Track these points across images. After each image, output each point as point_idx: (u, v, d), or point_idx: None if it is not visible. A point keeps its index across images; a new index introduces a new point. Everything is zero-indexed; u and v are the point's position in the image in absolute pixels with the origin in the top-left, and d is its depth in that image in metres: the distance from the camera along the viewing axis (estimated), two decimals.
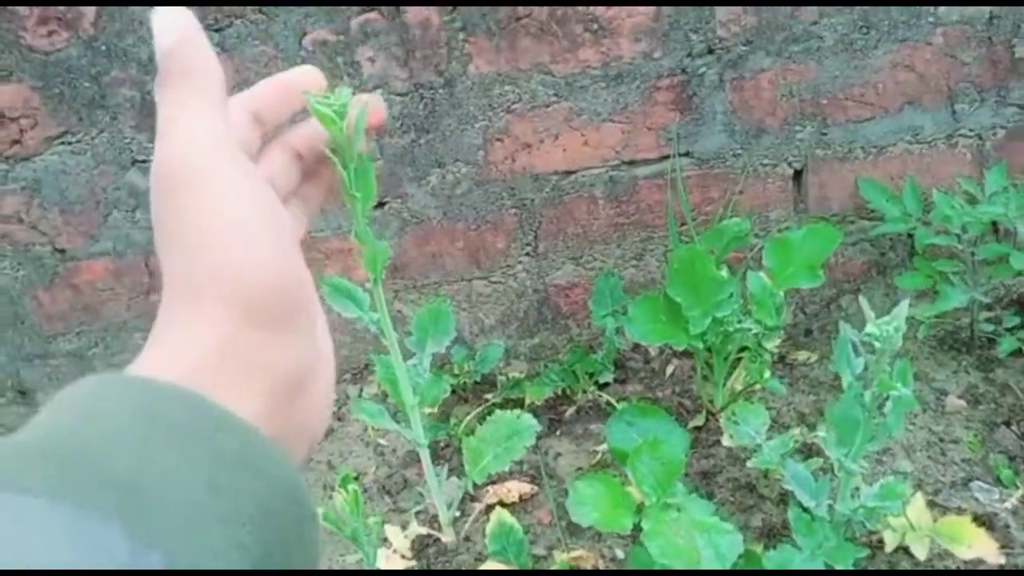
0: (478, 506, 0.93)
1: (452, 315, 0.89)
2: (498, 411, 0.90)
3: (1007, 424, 0.96)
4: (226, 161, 0.29)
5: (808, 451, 0.94)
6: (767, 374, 1.01)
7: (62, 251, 1.24)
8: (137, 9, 1.08)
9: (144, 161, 1.18)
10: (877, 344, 0.64)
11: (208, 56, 0.32)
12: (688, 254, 0.90)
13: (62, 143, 1.17)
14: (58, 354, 1.32)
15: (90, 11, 1.09)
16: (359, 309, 0.80)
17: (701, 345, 0.92)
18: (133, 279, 1.26)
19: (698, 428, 1.05)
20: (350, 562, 0.92)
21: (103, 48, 1.11)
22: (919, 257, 1.13)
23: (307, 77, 0.39)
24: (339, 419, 1.21)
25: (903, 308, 0.64)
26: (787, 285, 0.93)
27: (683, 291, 0.90)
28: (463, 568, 0.84)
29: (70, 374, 1.33)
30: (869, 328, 0.63)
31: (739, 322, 0.94)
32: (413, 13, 1.08)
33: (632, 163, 1.19)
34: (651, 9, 1.08)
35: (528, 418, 0.88)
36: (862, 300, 0.66)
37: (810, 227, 0.97)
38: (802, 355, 1.19)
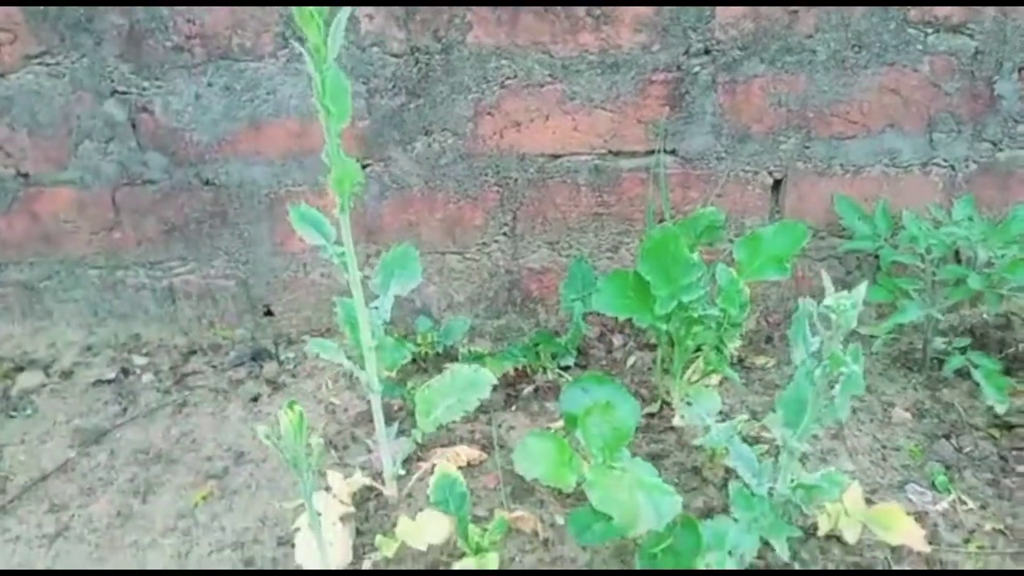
0: (424, 466, 0.92)
1: (418, 260, 0.87)
2: (456, 365, 0.89)
3: (947, 437, 0.99)
4: None
5: (755, 441, 0.95)
6: (725, 365, 1.02)
7: (26, 175, 1.20)
8: None
9: (124, 92, 1.15)
10: (833, 317, 0.64)
11: None
12: (662, 235, 0.91)
13: (40, 63, 1.13)
14: (7, 283, 1.27)
15: None
16: (325, 239, 0.79)
17: (664, 327, 0.93)
18: (97, 212, 1.22)
19: (651, 415, 1.05)
20: (287, 508, 0.90)
21: None
22: (883, 275, 1.16)
23: None
24: (292, 376, 1.19)
25: (862, 288, 0.65)
26: (754, 276, 0.94)
27: (654, 270, 0.91)
28: (399, 519, 0.81)
29: (17, 305, 1.28)
30: (827, 301, 0.64)
31: (704, 309, 0.95)
32: None
33: (618, 154, 1.19)
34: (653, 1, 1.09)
35: (486, 373, 0.88)
36: (823, 273, 0.67)
37: (782, 223, 0.99)
38: (760, 360, 1.20)
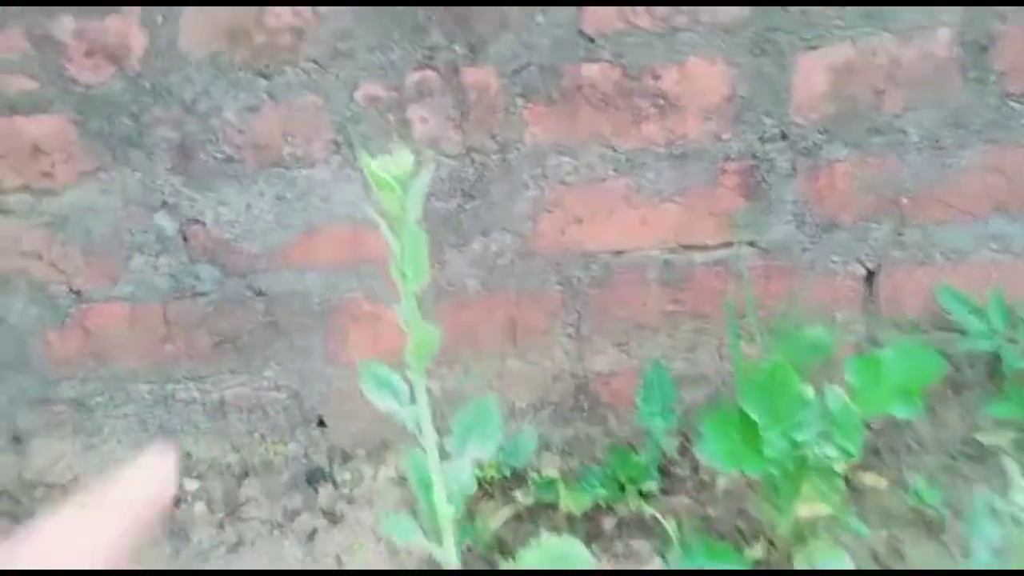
0: None
1: (499, 416, 0.78)
2: (544, 535, 0.79)
3: None
4: None
5: None
6: (837, 499, 0.89)
7: (78, 292, 1.18)
8: (185, 46, 1.04)
9: (175, 205, 1.12)
10: None
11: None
12: (771, 368, 0.80)
13: (93, 179, 1.12)
14: (60, 400, 1.24)
15: (139, 46, 1.05)
16: (397, 401, 0.71)
17: (777, 471, 0.82)
18: (148, 327, 1.19)
19: (758, 562, 0.93)
20: None
21: (147, 85, 1.07)
22: (1008, 382, 1.02)
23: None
24: (349, 502, 1.11)
25: None
26: (877, 410, 0.82)
27: (762, 408, 0.80)
28: None
29: (70, 422, 1.25)
30: (1018, 497, 0.52)
31: (819, 446, 0.83)
32: (471, 75, 1.03)
33: (690, 248, 1.10)
34: (724, 88, 1.01)
35: (579, 550, 0.77)
36: (1007, 461, 0.56)
37: (905, 347, 0.87)
38: (869, 478, 1.06)
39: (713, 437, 0.82)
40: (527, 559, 0.71)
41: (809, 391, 0.83)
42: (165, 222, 1.13)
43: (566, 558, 0.69)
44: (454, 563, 0.70)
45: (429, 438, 0.67)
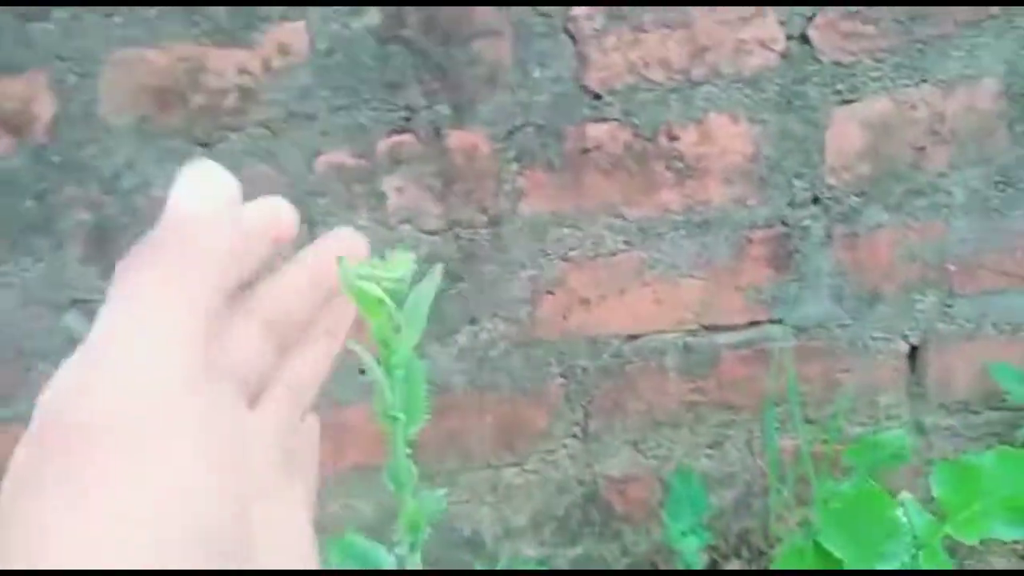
0: None
1: None
2: None
3: None
4: (192, 419, 0.20)
5: None
6: None
7: None
8: (104, 113, 0.85)
9: (86, 301, 0.91)
10: None
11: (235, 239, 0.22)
12: (861, 493, 0.64)
13: None
14: None
15: (46, 114, 0.86)
16: None
17: None
18: None
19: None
20: None
21: (56, 160, 0.87)
22: None
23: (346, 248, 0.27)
24: None
25: None
26: (979, 534, 0.66)
27: (845, 540, 0.64)
28: None
29: None
30: None
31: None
32: (457, 138, 0.87)
33: (714, 328, 0.95)
34: (748, 148, 0.88)
35: None
36: None
37: (1007, 452, 0.72)
38: None
39: None
40: None
41: (902, 515, 0.67)
42: (76, 323, 0.92)
43: None
44: None
45: None
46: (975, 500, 0.67)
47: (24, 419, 0.77)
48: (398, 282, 0.37)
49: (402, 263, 0.38)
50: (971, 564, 0.94)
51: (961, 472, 0.70)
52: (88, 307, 0.91)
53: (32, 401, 0.77)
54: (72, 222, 0.89)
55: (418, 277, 0.38)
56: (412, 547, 0.48)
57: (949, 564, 0.69)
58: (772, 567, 0.68)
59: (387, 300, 0.37)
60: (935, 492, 0.71)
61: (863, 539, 0.64)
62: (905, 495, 0.73)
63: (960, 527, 0.69)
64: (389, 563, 0.51)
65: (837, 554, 0.63)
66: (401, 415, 0.43)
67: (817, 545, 0.65)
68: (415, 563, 0.50)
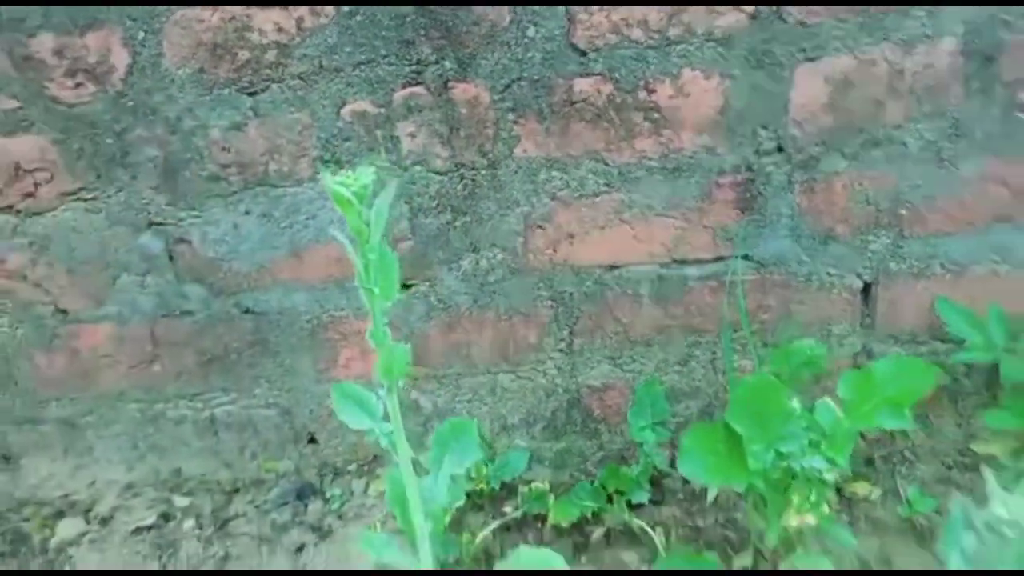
0: None
1: (476, 433, 0.78)
2: (524, 547, 0.78)
3: None
4: None
5: None
6: (826, 509, 0.88)
7: (64, 312, 1.16)
8: (169, 64, 1.02)
9: (161, 224, 1.10)
10: (1008, 532, 0.52)
11: None
12: (757, 381, 0.79)
13: (77, 199, 1.10)
14: (48, 420, 1.23)
15: (121, 65, 1.03)
16: (370, 418, 0.70)
17: (762, 483, 0.80)
18: (136, 346, 1.17)
19: (746, 570, 0.92)
20: None
21: (130, 104, 1.05)
22: (1006, 393, 1.01)
23: None
24: (339, 517, 1.10)
25: None
26: (866, 423, 0.81)
27: (747, 421, 0.79)
28: None
29: (59, 442, 1.24)
30: (996, 508, 0.51)
31: (803, 455, 0.82)
32: (461, 90, 1.01)
33: (684, 262, 1.08)
34: (718, 101, 0.99)
35: (556, 559, 0.76)
36: (986, 472, 0.54)
37: (898, 359, 0.85)
38: (861, 488, 1.05)
39: (695, 451, 0.81)
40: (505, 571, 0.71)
41: (796, 404, 0.81)
42: (151, 242, 1.12)
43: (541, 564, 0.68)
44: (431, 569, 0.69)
45: (404, 455, 0.66)
46: (870, 399, 0.81)
47: (112, 318, 1.08)
48: (363, 188, 0.55)
49: (365, 175, 0.56)
50: (880, 450, 1.08)
51: (861, 377, 0.84)
52: (161, 229, 1.11)
53: (118, 305, 1.09)
54: (144, 157, 1.07)
55: (378, 188, 0.56)
56: (389, 389, 0.67)
57: (846, 451, 0.83)
58: (685, 443, 0.83)
59: (355, 201, 0.55)
60: (840, 393, 0.86)
61: (763, 422, 0.79)
62: (824, 399, 0.88)
63: (856, 420, 0.83)
64: (377, 405, 0.68)
65: (741, 431, 0.79)
66: (376, 289, 0.61)
67: (726, 425, 0.80)
68: (393, 403, 0.68)
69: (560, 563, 0.77)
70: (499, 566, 0.81)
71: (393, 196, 0.57)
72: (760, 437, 0.79)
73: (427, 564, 0.74)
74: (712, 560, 0.77)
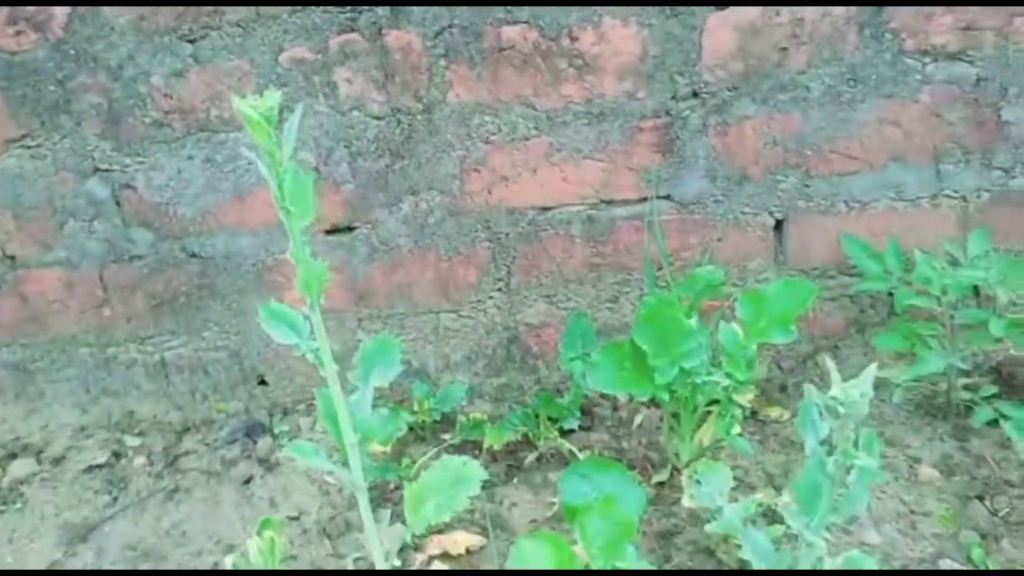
0: (420, 557, 0.87)
1: (399, 349, 0.84)
2: (445, 456, 0.85)
3: (980, 499, 0.92)
4: None
5: (773, 516, 0.89)
6: (736, 430, 0.96)
7: (12, 258, 1.19)
8: (109, 12, 1.05)
9: (107, 170, 1.14)
10: (842, 409, 0.60)
11: None
12: (657, 301, 0.86)
13: (21, 146, 1.13)
14: None
15: (61, 13, 1.06)
16: (297, 335, 0.75)
17: (667, 396, 0.88)
18: (85, 291, 1.20)
19: (661, 484, 1.00)
20: None
21: (71, 52, 1.07)
22: (898, 318, 1.10)
23: None
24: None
25: (870, 372, 0.60)
26: (759, 339, 0.89)
27: (650, 339, 0.86)
28: None
29: (11, 387, 1.26)
30: (834, 392, 0.59)
31: (708, 374, 0.90)
32: (394, 36, 1.06)
33: (611, 203, 1.16)
34: (637, 48, 1.06)
35: (475, 466, 0.83)
36: (828, 361, 0.63)
37: (786, 280, 0.94)
38: (775, 411, 1.14)
39: (604, 364, 0.88)
40: (427, 477, 0.77)
41: (694, 322, 0.89)
42: (97, 187, 1.15)
43: (461, 476, 0.75)
44: (361, 484, 0.75)
45: (330, 369, 0.72)
46: (762, 317, 0.89)
47: (61, 263, 1.14)
48: (270, 110, 0.60)
49: (272, 98, 0.61)
50: (793, 378, 1.17)
51: (755, 298, 0.92)
52: (107, 174, 1.14)
53: (67, 250, 1.15)
54: (87, 104, 1.10)
55: (288, 112, 0.62)
56: (311, 305, 0.73)
57: (743, 368, 0.91)
58: (596, 358, 0.89)
59: (264, 122, 0.60)
60: (738, 313, 0.94)
61: (664, 339, 0.86)
62: (723, 322, 0.96)
63: (752, 337, 0.91)
64: (304, 324, 0.74)
65: (645, 348, 0.86)
66: (292, 208, 0.67)
67: (632, 342, 0.87)
68: (317, 319, 0.73)
69: (477, 470, 0.83)
70: (423, 476, 0.86)
71: (298, 123, 0.62)
72: (663, 353, 0.86)
73: (357, 471, 0.80)
74: (618, 466, 0.84)
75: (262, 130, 0.59)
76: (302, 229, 0.65)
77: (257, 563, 0.62)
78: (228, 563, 0.62)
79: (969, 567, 0.83)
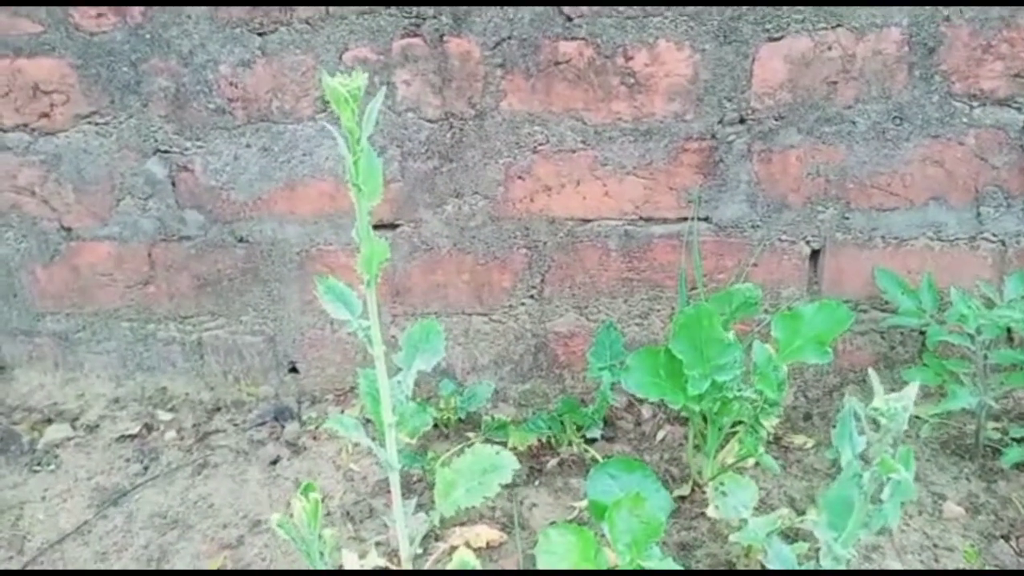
0: (442, 546, 0.88)
1: (443, 335, 0.86)
2: (478, 444, 0.87)
3: (1006, 538, 0.91)
4: None
5: (794, 536, 0.90)
6: (761, 450, 0.97)
7: (68, 229, 1.23)
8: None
9: (166, 152, 1.18)
10: (883, 421, 0.61)
11: None
12: (696, 312, 0.88)
13: (89, 122, 1.18)
14: (44, 332, 1.29)
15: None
16: (350, 313, 0.78)
17: (697, 408, 0.89)
18: (133, 267, 1.24)
19: (682, 498, 1.00)
20: None
21: (147, 36, 1.13)
22: (929, 354, 1.10)
23: None
24: (314, 438, 1.17)
25: (913, 389, 0.61)
26: (793, 358, 0.90)
27: (686, 348, 0.88)
28: None
29: (52, 354, 1.30)
30: (876, 403, 0.60)
31: (739, 390, 0.91)
32: (455, 44, 1.10)
33: (649, 220, 1.18)
34: (689, 71, 1.09)
35: (508, 455, 0.84)
36: (872, 373, 0.64)
37: (824, 302, 0.95)
38: (799, 439, 1.15)
39: (638, 370, 0.89)
40: (459, 463, 0.79)
41: (731, 336, 0.90)
42: (156, 167, 1.19)
43: (494, 464, 0.76)
44: (395, 464, 0.77)
45: (377, 347, 0.74)
46: (797, 337, 0.90)
47: (113, 238, 1.20)
48: (357, 89, 0.64)
49: (360, 78, 0.65)
50: (819, 408, 1.17)
51: (791, 319, 0.93)
52: (166, 156, 1.18)
53: (120, 226, 1.21)
54: (156, 86, 1.15)
55: (372, 92, 0.65)
56: (368, 283, 0.75)
57: (775, 387, 0.92)
58: (630, 361, 0.91)
59: (350, 99, 0.64)
60: (774, 334, 0.95)
61: (700, 350, 0.88)
62: (758, 341, 0.97)
63: (785, 357, 0.93)
64: (357, 302, 0.76)
65: (680, 357, 0.87)
66: (363, 187, 0.70)
67: (668, 351, 0.89)
68: (372, 298, 0.76)
69: (510, 459, 0.85)
70: (455, 461, 0.88)
71: (380, 103, 0.66)
72: (698, 363, 0.87)
73: (392, 450, 0.82)
74: (645, 468, 0.85)
75: (347, 107, 0.62)
76: (369, 209, 0.68)
77: (300, 523, 0.63)
78: (273, 522, 0.64)
79: None
